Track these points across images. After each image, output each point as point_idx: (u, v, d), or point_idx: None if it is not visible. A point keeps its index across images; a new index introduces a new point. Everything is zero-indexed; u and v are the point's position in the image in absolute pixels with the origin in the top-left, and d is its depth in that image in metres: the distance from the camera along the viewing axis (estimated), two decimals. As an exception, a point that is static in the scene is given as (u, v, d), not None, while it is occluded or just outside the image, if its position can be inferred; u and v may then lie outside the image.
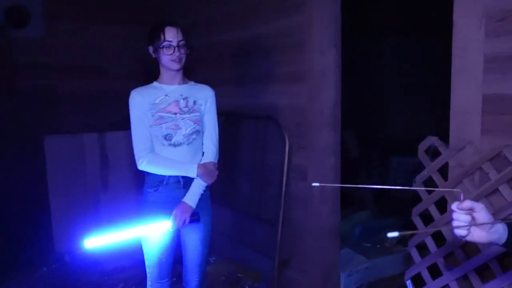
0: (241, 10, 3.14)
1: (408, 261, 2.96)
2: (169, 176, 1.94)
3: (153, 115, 1.90)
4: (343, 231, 3.26)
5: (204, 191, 1.99)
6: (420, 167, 2.15)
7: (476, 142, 1.84)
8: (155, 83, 1.99)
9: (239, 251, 3.35)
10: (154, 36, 1.90)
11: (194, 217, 1.94)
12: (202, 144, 2.02)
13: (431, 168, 2.05)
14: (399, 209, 4.15)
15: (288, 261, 2.88)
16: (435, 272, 2.06)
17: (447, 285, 1.98)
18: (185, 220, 1.90)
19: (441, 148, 2.01)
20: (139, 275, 3.16)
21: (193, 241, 2.04)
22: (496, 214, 1.71)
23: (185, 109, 1.94)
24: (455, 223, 1.02)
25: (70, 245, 3.42)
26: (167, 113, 1.91)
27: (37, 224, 3.54)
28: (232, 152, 3.29)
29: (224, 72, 3.42)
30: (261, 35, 2.97)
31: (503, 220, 1.12)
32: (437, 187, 2.02)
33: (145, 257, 2.05)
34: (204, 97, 2.00)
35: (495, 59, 1.74)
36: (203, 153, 2.02)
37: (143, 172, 2.00)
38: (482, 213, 1.00)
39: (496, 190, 1.78)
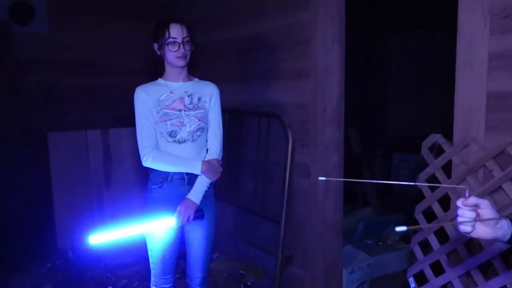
0: (246, 6, 3.14)
1: (411, 258, 2.97)
2: (174, 173, 1.95)
3: (158, 112, 1.91)
4: (346, 227, 3.28)
5: (208, 188, 1.99)
6: (422, 164, 2.16)
7: (480, 139, 1.85)
8: (160, 80, 1.99)
9: (242, 247, 3.36)
10: (159, 33, 1.91)
11: (198, 213, 1.95)
12: (206, 141, 2.03)
13: (434, 166, 2.05)
14: (401, 206, 4.17)
15: (291, 257, 2.89)
16: (437, 270, 2.06)
17: (450, 282, 1.99)
18: (189, 217, 1.91)
19: (445, 146, 2.01)
20: (143, 271, 3.18)
21: (197, 237, 2.05)
22: (499, 212, 1.71)
23: (190, 106, 1.95)
24: (460, 219, 1.02)
25: (73, 241, 3.44)
26: (172, 110, 1.92)
27: (41, 220, 3.55)
28: (235, 149, 3.30)
29: (228, 68, 3.42)
30: (265, 32, 2.97)
31: (507, 216, 1.12)
32: (440, 184, 2.03)
33: (149, 253, 2.06)
34: (208, 94, 2.01)
35: (500, 56, 1.74)
36: (207, 150, 2.03)
37: (146, 169, 2.01)
38: (487, 209, 1.01)
39: (499, 188, 1.79)
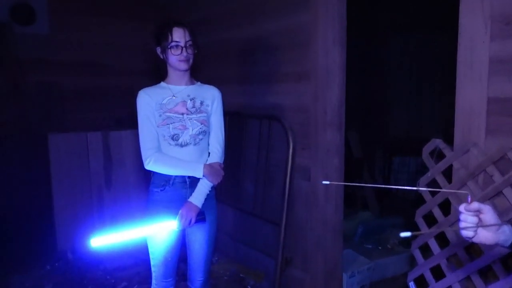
0: (247, 8, 3.15)
1: (410, 262, 2.98)
2: (175, 176, 1.96)
3: (160, 115, 1.92)
4: (346, 230, 3.28)
5: (209, 191, 2.00)
6: (422, 168, 2.17)
7: (480, 144, 1.86)
8: (162, 83, 2.00)
9: (242, 250, 3.36)
10: (162, 37, 1.92)
11: (200, 216, 1.96)
12: (208, 144, 2.03)
13: (435, 170, 2.06)
14: (401, 209, 4.18)
15: (291, 260, 2.90)
16: (438, 274, 2.07)
17: (450, 286, 1.99)
18: (191, 220, 1.92)
19: (446, 151, 2.02)
20: (142, 274, 3.18)
21: (199, 240, 2.06)
22: (500, 216, 1.72)
23: (192, 110, 1.96)
24: (462, 224, 1.03)
25: (73, 243, 3.44)
26: (175, 113, 1.93)
27: (41, 221, 3.55)
28: (236, 151, 3.30)
29: (228, 70, 3.43)
30: (266, 34, 2.98)
31: (509, 221, 1.13)
32: (441, 189, 2.04)
33: (151, 256, 2.06)
34: (211, 98, 2.02)
35: (501, 62, 1.75)
36: (209, 153, 2.04)
37: (147, 171, 2.01)
38: (489, 214, 1.02)
39: (500, 193, 1.79)
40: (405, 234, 0.89)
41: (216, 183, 1.99)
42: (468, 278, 1.92)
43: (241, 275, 3.21)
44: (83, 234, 3.28)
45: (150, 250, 2.05)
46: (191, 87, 2.01)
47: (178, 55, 1.90)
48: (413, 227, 2.20)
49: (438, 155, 2.08)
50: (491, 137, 1.82)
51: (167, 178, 1.96)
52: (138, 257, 3.26)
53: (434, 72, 5.00)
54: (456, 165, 1.96)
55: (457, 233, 1.93)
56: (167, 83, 2.00)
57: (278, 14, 2.84)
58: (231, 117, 3.25)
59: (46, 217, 3.50)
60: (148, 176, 2.07)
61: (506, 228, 1.05)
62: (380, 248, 3.43)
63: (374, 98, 5.36)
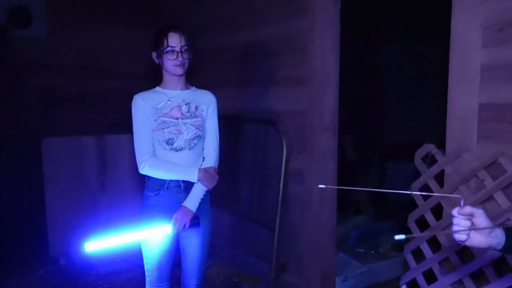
0: (243, 14, 3.17)
1: (403, 266, 3.00)
2: (170, 180, 1.96)
3: (155, 120, 1.92)
4: (339, 234, 3.30)
5: (204, 195, 2.00)
6: (416, 172, 2.19)
7: (472, 149, 1.88)
8: (158, 88, 2.01)
9: (236, 254, 3.36)
10: (157, 42, 1.92)
11: (195, 221, 1.96)
12: (203, 149, 2.04)
13: (427, 175, 2.09)
14: (394, 214, 4.21)
15: (285, 264, 2.90)
16: (430, 278, 2.09)
17: (443, 290, 2.02)
18: (185, 224, 1.92)
19: (438, 156, 2.05)
20: (136, 278, 3.17)
21: (193, 245, 2.06)
22: (491, 221, 1.74)
23: (187, 114, 1.96)
24: (455, 228, 1.05)
25: (66, 248, 3.42)
26: (170, 118, 1.93)
27: (33, 226, 3.52)
28: (232, 155, 3.31)
29: (225, 75, 3.44)
30: (263, 39, 3.00)
31: (501, 225, 1.15)
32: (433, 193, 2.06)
33: (145, 260, 2.05)
34: (206, 103, 2.03)
35: (492, 69, 1.78)
36: (204, 158, 2.04)
37: (141, 175, 2.01)
38: (481, 218, 1.04)
39: (491, 197, 1.82)
40: (399, 236, 0.91)
41: (210, 187, 2.00)
42: (460, 281, 1.95)
43: (235, 279, 3.21)
44: (77, 239, 3.26)
45: (144, 254, 2.05)
46: (186, 92, 2.02)
47: (174, 60, 1.91)
48: (406, 231, 2.21)
49: (430, 160, 2.11)
50: (482, 143, 1.85)
51: (161, 183, 1.96)
52: (132, 262, 3.25)
53: (429, 77, 5.04)
54: (448, 170, 1.99)
55: (449, 237, 1.96)
56: (162, 87, 2.00)
57: (275, 20, 2.87)
58: (227, 121, 3.26)
59: (39, 221, 3.47)
60: (143, 180, 2.07)
61: (498, 231, 1.07)
62: (372, 252, 3.45)
63: (369, 103, 5.40)
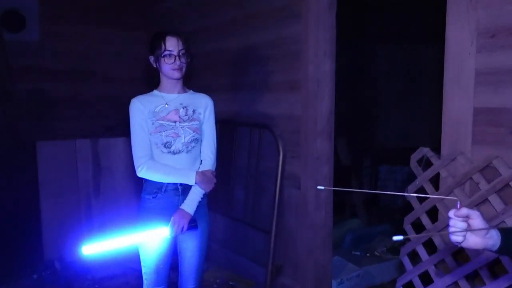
0: (238, 19, 3.19)
1: (399, 269, 3.02)
2: (168, 183, 1.96)
3: (153, 123, 1.93)
4: (334, 238, 3.31)
5: (201, 198, 2.01)
6: (409, 176, 2.22)
7: (467, 153, 1.91)
8: (155, 92, 2.02)
9: (232, 258, 3.36)
10: (155, 46, 1.93)
11: (192, 224, 1.96)
12: (201, 152, 2.05)
13: (423, 178, 2.11)
14: (388, 217, 4.23)
15: (281, 268, 2.91)
16: (426, 280, 2.11)
17: (438, 292, 2.03)
18: (183, 227, 1.92)
19: (433, 159, 2.07)
20: (131, 283, 3.16)
21: (191, 248, 2.06)
22: (487, 223, 1.77)
23: (185, 118, 1.97)
24: (451, 230, 1.06)
25: (61, 252, 3.40)
26: (167, 121, 1.94)
27: (28, 230, 3.50)
28: (227, 159, 3.32)
29: (220, 80, 3.46)
30: (258, 44, 3.02)
31: (497, 226, 1.17)
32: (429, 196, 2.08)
33: (142, 263, 2.05)
34: (203, 106, 2.04)
35: (486, 73, 1.81)
36: (201, 161, 2.05)
37: (137, 179, 2.01)
38: (477, 220, 1.06)
39: (486, 200, 1.85)
40: (397, 237, 0.92)
41: (208, 190, 2.01)
42: (456, 283, 1.97)
43: (231, 283, 3.21)
44: (71, 242, 3.25)
45: (141, 257, 2.05)
46: (184, 95, 2.03)
47: (171, 63, 1.92)
48: (401, 234, 2.24)
49: (425, 164, 2.13)
50: (477, 146, 1.88)
51: (159, 186, 1.97)
52: (127, 266, 3.24)
53: (422, 82, 5.09)
54: (443, 173, 2.01)
55: (445, 239, 1.98)
56: (160, 91, 2.01)
57: (269, 25, 2.89)
58: (222, 125, 3.27)
59: (33, 225, 3.44)
60: (138, 184, 2.07)
61: (494, 233, 1.09)
62: (368, 255, 3.46)
63: (363, 107, 5.43)
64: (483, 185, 1.84)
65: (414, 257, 2.20)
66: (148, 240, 1.99)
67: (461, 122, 1.92)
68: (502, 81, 1.77)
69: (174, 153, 1.96)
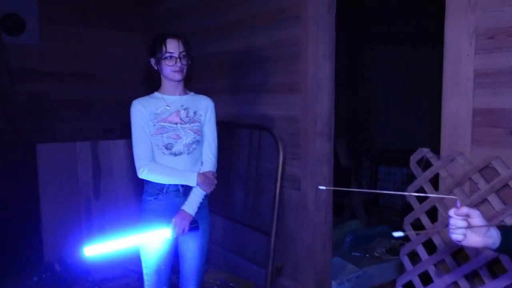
0: (239, 21, 3.20)
1: (399, 269, 3.03)
2: (169, 185, 1.97)
3: (154, 125, 1.94)
4: (334, 239, 3.31)
5: (202, 199, 2.02)
6: (408, 177, 2.23)
7: (466, 153, 1.92)
8: (156, 94, 2.03)
9: (232, 259, 3.36)
10: (156, 48, 1.94)
11: (193, 225, 1.97)
12: (202, 153, 2.06)
13: (422, 179, 2.12)
14: (388, 218, 4.24)
15: (281, 269, 2.92)
16: (426, 280, 2.12)
17: (438, 291, 2.04)
18: (184, 228, 1.93)
19: (433, 160, 2.09)
20: (131, 284, 3.16)
21: (192, 249, 2.07)
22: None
23: (186, 119, 1.98)
24: (452, 228, 1.07)
25: (61, 254, 3.40)
26: (168, 123, 1.95)
27: (28, 232, 3.50)
28: (227, 161, 3.32)
29: (220, 81, 3.47)
30: (258, 46, 3.04)
31: (496, 225, 1.18)
32: (428, 197, 2.10)
33: (143, 265, 2.06)
34: (204, 108, 2.05)
35: (485, 75, 1.83)
36: (202, 162, 2.06)
37: (137, 180, 2.02)
38: (478, 219, 1.07)
39: (485, 200, 1.86)
40: (397, 233, 0.93)
41: (209, 191, 2.01)
42: (455, 283, 1.98)
43: (231, 284, 3.21)
44: (71, 244, 3.26)
45: (142, 259, 2.05)
46: (185, 97, 2.04)
47: (172, 65, 1.93)
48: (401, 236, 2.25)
49: (425, 164, 2.14)
50: (476, 147, 1.89)
51: (160, 187, 1.98)
52: (127, 267, 3.24)
53: (421, 84, 5.11)
54: (443, 174, 2.02)
55: (445, 239, 1.99)
56: (161, 93, 2.02)
57: (270, 28, 2.91)
58: (222, 127, 3.27)
59: (33, 227, 3.45)
60: (138, 186, 2.07)
61: (493, 231, 1.10)
62: (368, 256, 3.47)
63: (362, 108, 5.45)
64: (482, 185, 1.85)
65: (414, 257, 2.21)
66: (149, 241, 1.99)
67: (460, 123, 1.93)
68: (501, 82, 1.79)
69: (175, 154, 1.96)
